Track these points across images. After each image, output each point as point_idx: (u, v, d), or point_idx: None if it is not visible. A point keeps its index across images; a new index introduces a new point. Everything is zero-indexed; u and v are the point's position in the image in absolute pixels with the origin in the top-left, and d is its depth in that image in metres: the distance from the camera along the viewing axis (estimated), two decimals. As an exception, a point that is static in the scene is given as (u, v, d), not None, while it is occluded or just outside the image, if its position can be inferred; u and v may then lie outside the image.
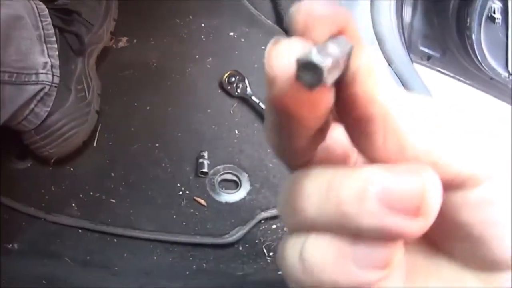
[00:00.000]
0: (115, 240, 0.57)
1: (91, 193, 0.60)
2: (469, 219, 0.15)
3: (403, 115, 0.14)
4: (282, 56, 0.13)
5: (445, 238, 0.17)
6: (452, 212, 0.16)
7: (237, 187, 0.59)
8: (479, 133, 0.16)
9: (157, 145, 0.62)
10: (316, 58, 0.11)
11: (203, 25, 0.71)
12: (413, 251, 0.17)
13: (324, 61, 0.11)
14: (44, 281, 0.51)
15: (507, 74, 0.76)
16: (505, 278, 0.17)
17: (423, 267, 0.18)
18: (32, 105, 0.56)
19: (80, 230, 0.58)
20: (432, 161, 0.15)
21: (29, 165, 0.63)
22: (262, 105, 0.62)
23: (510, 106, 0.81)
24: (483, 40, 0.72)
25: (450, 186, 0.15)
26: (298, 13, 0.14)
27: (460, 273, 0.17)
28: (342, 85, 0.14)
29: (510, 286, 0.16)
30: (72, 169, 0.62)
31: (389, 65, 0.62)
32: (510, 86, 0.78)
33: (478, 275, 0.17)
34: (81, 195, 0.60)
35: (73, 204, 0.60)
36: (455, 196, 0.15)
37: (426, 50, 0.79)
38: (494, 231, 0.15)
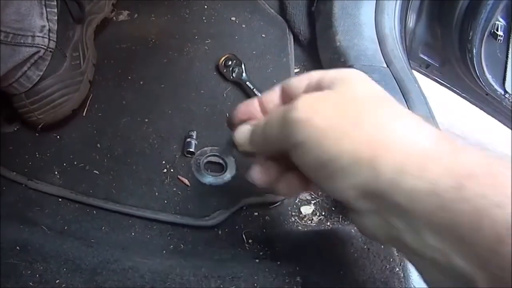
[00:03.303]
0: (94, 212, 0.57)
1: (75, 163, 0.59)
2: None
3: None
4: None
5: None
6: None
7: (222, 171, 0.58)
8: None
9: (146, 120, 0.61)
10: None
11: (205, 6, 0.70)
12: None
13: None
14: (17, 247, 0.50)
15: (502, 92, 0.77)
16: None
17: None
18: (25, 68, 0.55)
19: (60, 199, 0.58)
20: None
21: (15, 129, 0.62)
22: (256, 92, 0.62)
23: (502, 124, 0.82)
24: (483, 56, 0.73)
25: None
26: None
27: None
28: None
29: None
30: (58, 137, 0.61)
31: (388, 66, 0.62)
32: (505, 104, 0.78)
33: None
34: (64, 164, 0.59)
35: (56, 172, 0.59)
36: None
37: (425, 58, 0.79)
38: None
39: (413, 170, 0.24)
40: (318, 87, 0.31)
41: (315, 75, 0.31)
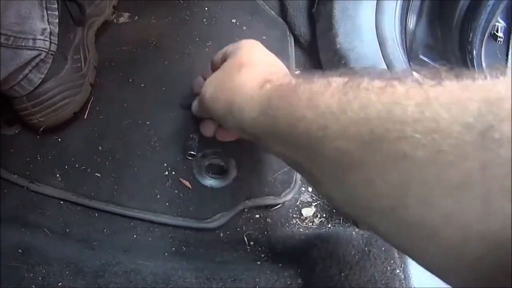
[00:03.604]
0: (96, 214, 0.57)
1: (77, 165, 0.59)
2: None
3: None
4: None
5: None
6: None
7: (223, 173, 0.58)
8: None
9: (147, 122, 0.61)
10: None
11: (206, 8, 0.70)
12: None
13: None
14: (20, 250, 0.50)
15: (503, 93, 0.77)
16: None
17: None
18: (26, 71, 0.55)
19: (61, 202, 0.58)
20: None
21: (16, 132, 0.62)
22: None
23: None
24: (483, 57, 0.73)
25: None
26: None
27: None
28: None
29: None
30: (59, 139, 0.61)
31: (388, 68, 0.62)
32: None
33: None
34: (66, 167, 0.59)
35: (58, 175, 0.59)
36: None
37: (426, 59, 0.79)
38: None
39: (246, 109, 0.39)
40: (224, 59, 0.48)
41: (224, 50, 0.50)
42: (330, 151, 0.29)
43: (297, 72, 0.69)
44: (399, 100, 0.25)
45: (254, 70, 0.42)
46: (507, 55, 0.72)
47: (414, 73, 0.28)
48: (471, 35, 0.70)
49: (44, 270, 0.47)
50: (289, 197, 0.57)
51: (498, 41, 0.71)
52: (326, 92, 0.31)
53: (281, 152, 0.36)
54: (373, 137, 0.26)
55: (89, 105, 0.63)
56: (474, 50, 0.71)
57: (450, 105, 0.23)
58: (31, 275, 0.47)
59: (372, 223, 0.28)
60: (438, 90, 0.24)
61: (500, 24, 0.70)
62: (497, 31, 0.71)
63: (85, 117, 0.63)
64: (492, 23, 0.70)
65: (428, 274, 0.43)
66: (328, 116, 0.29)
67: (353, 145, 0.27)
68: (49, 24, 0.56)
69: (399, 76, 0.28)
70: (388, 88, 0.27)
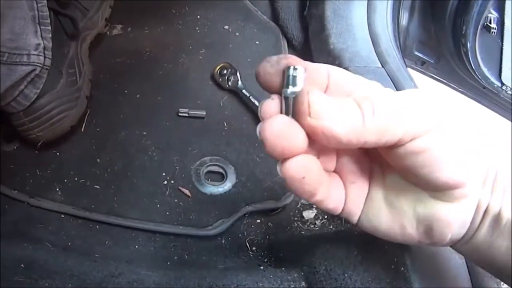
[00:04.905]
0: (97, 226, 0.57)
1: (76, 179, 0.59)
2: (411, 163, 0.26)
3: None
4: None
5: (406, 174, 0.28)
6: (401, 160, 0.26)
7: (222, 180, 0.58)
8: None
9: (144, 133, 0.61)
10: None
11: (198, 16, 0.71)
12: (391, 180, 0.29)
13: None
14: (22, 265, 0.50)
15: (499, 84, 0.77)
16: (450, 194, 0.26)
17: (397, 189, 0.29)
18: (22, 86, 0.55)
19: (62, 216, 0.58)
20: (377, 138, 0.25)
21: (15, 147, 0.63)
22: (252, 99, 0.62)
23: (501, 116, 0.82)
24: (477, 49, 0.73)
25: (391, 146, 0.25)
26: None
27: (420, 193, 0.28)
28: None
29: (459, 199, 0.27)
30: (58, 153, 0.61)
31: (383, 66, 0.62)
32: (502, 96, 0.78)
33: (433, 194, 0.27)
34: (65, 180, 0.59)
35: (57, 189, 0.59)
36: (399, 150, 0.26)
37: (420, 55, 0.79)
38: (428, 170, 0.25)
39: None
40: None
41: None
42: None
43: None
44: None
45: None
46: (501, 46, 0.72)
47: None
48: (464, 28, 0.70)
49: (47, 284, 0.47)
50: (289, 200, 0.57)
51: (492, 32, 0.71)
52: None
53: None
54: None
55: (86, 118, 0.63)
56: (468, 43, 0.71)
57: None
58: (34, 289, 0.47)
59: None
60: None
61: (493, 15, 0.70)
62: (490, 22, 0.70)
63: (82, 130, 0.63)
64: (484, 15, 0.70)
65: (431, 271, 0.43)
66: None
67: None
68: (42, 39, 0.57)
69: None
70: None
